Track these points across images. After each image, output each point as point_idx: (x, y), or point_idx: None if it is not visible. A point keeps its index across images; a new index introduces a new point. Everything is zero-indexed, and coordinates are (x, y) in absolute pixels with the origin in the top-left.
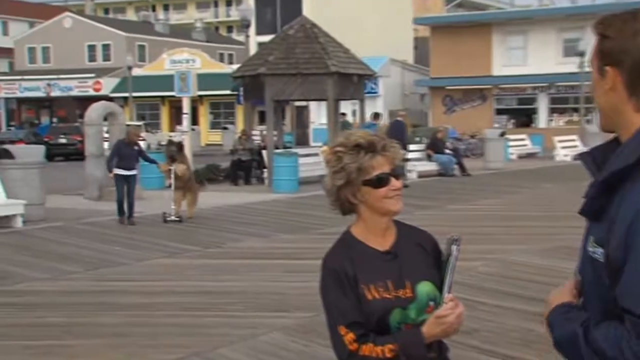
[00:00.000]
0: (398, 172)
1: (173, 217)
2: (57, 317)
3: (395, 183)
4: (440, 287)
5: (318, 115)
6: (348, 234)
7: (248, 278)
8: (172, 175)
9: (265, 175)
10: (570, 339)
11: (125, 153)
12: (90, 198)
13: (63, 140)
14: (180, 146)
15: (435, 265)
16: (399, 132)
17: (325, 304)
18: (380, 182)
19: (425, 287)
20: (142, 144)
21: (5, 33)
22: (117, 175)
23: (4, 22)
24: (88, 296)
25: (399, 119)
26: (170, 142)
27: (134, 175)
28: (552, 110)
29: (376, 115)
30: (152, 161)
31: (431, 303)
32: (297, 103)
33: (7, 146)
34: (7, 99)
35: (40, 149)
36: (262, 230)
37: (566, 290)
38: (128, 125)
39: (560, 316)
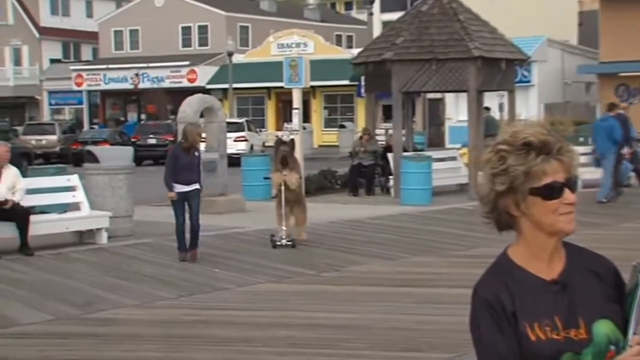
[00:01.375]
0: (574, 183)
1: (284, 241)
2: (147, 351)
3: (569, 196)
4: (623, 327)
5: (456, 110)
6: (505, 258)
7: (371, 309)
8: (282, 187)
9: (391, 183)
10: None
11: (185, 162)
12: None
13: (152, 141)
14: (292, 145)
15: (616, 299)
16: (624, 127)
17: (476, 343)
18: (552, 192)
19: (603, 327)
20: (243, 145)
21: (90, 14)
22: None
23: (87, 2)
24: (182, 327)
25: (621, 111)
26: (281, 141)
27: (196, 191)
28: None
29: (612, 106)
30: (198, 181)
31: (612, 347)
32: (431, 95)
33: (91, 147)
34: (89, 92)
35: (129, 151)
36: (388, 250)
37: None
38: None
39: None
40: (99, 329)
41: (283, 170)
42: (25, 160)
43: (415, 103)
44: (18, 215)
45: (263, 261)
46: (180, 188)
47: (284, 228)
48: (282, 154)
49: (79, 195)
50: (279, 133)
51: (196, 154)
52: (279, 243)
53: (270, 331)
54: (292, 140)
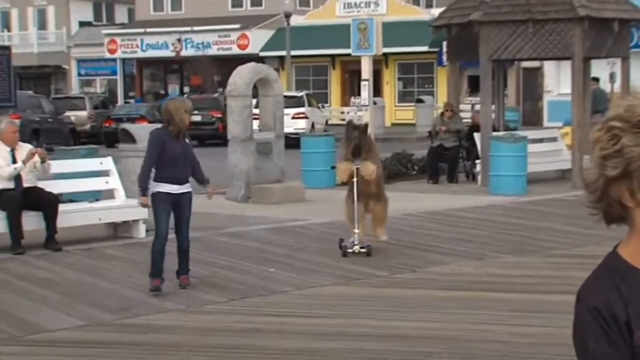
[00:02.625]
0: None
1: (357, 248)
2: None
3: None
4: None
5: (557, 81)
6: (616, 257)
7: (455, 317)
8: (355, 179)
9: (478, 169)
10: None
11: (175, 152)
12: (234, 199)
13: (197, 118)
14: (365, 129)
15: None
16: None
17: (580, 357)
18: None
19: None
20: (303, 123)
21: None
22: (157, 194)
23: None
24: (233, 335)
25: None
26: (352, 125)
27: (187, 194)
28: None
29: None
30: (202, 179)
31: None
32: (527, 64)
33: (126, 125)
34: (124, 61)
35: None
36: (474, 248)
37: None
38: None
39: None
40: (137, 337)
41: (355, 160)
42: (72, 138)
43: (508, 73)
44: (45, 202)
45: (327, 260)
46: (166, 188)
47: (357, 231)
48: (355, 143)
49: (113, 181)
50: (345, 109)
51: (187, 141)
52: (350, 250)
53: (335, 342)
54: (365, 124)
